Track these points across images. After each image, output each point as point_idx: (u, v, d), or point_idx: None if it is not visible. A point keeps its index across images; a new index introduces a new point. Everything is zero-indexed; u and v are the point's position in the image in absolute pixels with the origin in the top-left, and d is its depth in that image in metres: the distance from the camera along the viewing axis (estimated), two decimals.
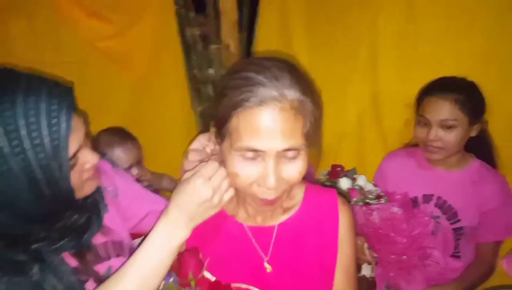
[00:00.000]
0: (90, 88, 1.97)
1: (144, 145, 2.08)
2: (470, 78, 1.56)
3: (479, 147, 1.60)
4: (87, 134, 0.93)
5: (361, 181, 1.67)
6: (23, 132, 0.77)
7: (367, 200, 1.55)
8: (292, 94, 0.81)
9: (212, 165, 0.88)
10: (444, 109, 1.48)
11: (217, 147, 0.92)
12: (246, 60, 0.88)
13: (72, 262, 0.94)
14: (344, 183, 1.65)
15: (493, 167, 1.63)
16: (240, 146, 0.82)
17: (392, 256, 1.41)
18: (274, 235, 1.00)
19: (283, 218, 1.01)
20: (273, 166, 0.82)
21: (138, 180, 1.84)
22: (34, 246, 0.86)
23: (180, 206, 0.87)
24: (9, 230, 0.85)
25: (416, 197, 1.61)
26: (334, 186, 1.64)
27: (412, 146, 1.76)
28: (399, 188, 1.57)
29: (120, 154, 1.76)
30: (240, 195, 0.96)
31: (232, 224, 1.01)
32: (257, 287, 0.95)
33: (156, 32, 2.05)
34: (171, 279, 0.88)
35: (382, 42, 1.91)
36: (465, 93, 1.48)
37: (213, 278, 0.93)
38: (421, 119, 1.56)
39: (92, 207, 1.02)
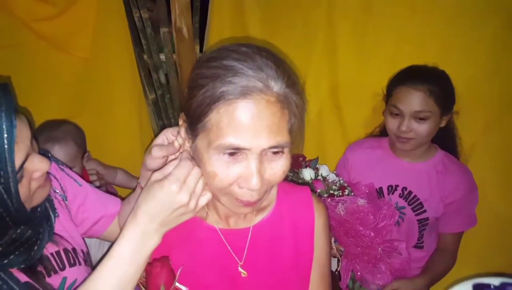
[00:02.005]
0: (28, 76, 1.80)
1: (92, 137, 1.93)
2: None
3: (444, 138, 1.60)
4: (33, 137, 0.81)
5: (324, 171, 1.64)
6: None
7: (331, 191, 1.53)
8: (278, 85, 0.73)
9: (186, 165, 0.78)
10: (417, 101, 1.45)
11: (188, 143, 0.82)
12: (223, 46, 0.78)
13: (22, 277, 0.84)
14: (307, 174, 1.61)
15: (456, 158, 1.64)
16: (221, 144, 0.73)
17: (358, 249, 1.41)
18: (248, 238, 0.93)
19: (257, 219, 0.95)
20: (256, 165, 0.74)
21: (90, 175, 1.70)
22: None
23: (150, 213, 0.77)
24: None
25: (381, 188, 1.60)
26: (296, 176, 1.60)
27: (376, 136, 1.76)
28: (363, 179, 1.56)
29: (60, 153, 1.59)
30: (215, 198, 0.86)
31: (204, 228, 0.93)
32: None
33: (99, 12, 1.88)
34: None
35: (340, 31, 1.88)
36: (438, 84, 1.46)
37: (185, 289, 0.85)
38: (393, 110, 1.52)
39: (42, 215, 0.92)
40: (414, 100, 1.45)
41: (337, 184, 1.56)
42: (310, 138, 2.03)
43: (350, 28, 1.86)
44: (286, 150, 0.78)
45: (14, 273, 0.83)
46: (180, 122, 0.84)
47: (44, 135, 1.61)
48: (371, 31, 1.82)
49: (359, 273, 1.43)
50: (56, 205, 1.00)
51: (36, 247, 0.87)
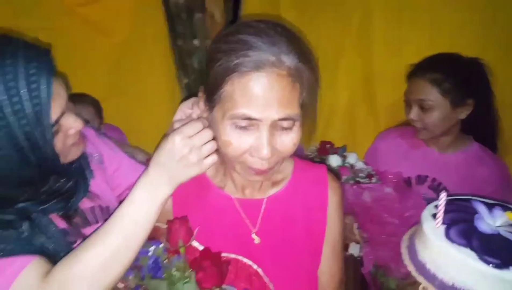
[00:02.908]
0: (69, 56, 1.87)
1: (125, 119, 2.00)
2: (469, 54, 1.49)
3: (479, 130, 1.54)
4: (69, 99, 0.90)
5: (352, 159, 1.63)
6: (3, 97, 0.76)
7: (358, 179, 1.51)
8: (290, 60, 0.76)
9: (195, 124, 0.82)
10: (420, 89, 1.45)
11: (206, 114, 0.86)
12: (241, 22, 0.83)
13: (61, 224, 0.94)
14: (334, 160, 1.60)
15: (493, 151, 1.56)
16: (234, 114, 0.77)
17: (383, 237, 1.39)
18: (262, 208, 0.97)
19: (272, 191, 0.99)
20: (267, 136, 0.78)
21: None
22: (20, 205, 0.87)
23: (159, 164, 0.83)
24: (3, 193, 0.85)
25: (409, 178, 1.56)
26: (323, 163, 1.59)
27: (406, 125, 1.72)
28: (391, 167, 1.53)
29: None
30: (229, 166, 0.91)
31: (220, 196, 0.98)
32: (245, 258, 0.93)
33: None
34: (161, 245, 0.84)
35: (377, 16, 1.85)
36: (447, 74, 1.42)
37: (201, 247, 0.90)
38: (405, 99, 1.54)
39: (78, 172, 1.02)
40: (417, 89, 1.47)
41: (365, 172, 1.55)
42: (341, 126, 2.02)
43: (385, 15, 1.83)
44: (297, 123, 0.81)
45: (54, 219, 0.93)
46: (200, 94, 0.88)
47: None
48: (406, 19, 1.78)
49: (383, 260, 1.41)
50: (93, 167, 1.08)
51: (73, 199, 0.97)
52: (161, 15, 2.01)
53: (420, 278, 0.72)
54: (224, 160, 0.90)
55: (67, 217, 0.96)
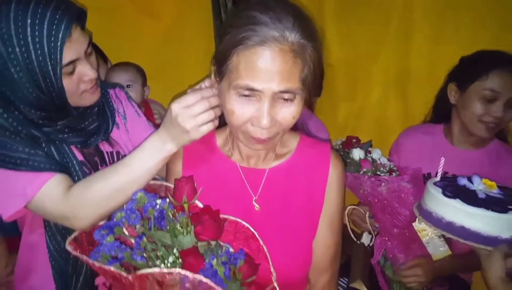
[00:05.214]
0: (115, 36, 2.01)
1: (166, 98, 2.10)
2: None
3: None
4: (91, 53, 1.04)
5: (376, 154, 1.63)
6: (30, 30, 0.91)
7: (378, 172, 1.52)
8: (293, 36, 0.81)
9: (193, 95, 0.90)
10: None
11: (216, 86, 0.93)
12: (253, 0, 0.87)
13: (80, 156, 1.09)
14: (357, 154, 1.62)
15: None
16: (238, 84, 0.83)
17: (394, 229, 1.39)
18: (264, 177, 1.03)
19: (275, 163, 1.04)
20: (268, 107, 0.83)
21: (154, 114, 1.93)
22: (45, 129, 1.03)
23: (165, 125, 0.95)
24: (26, 111, 1.00)
25: (429, 174, 1.56)
26: (346, 155, 1.62)
27: (430, 122, 1.70)
28: (412, 163, 1.52)
29: (121, 72, 1.85)
30: (234, 136, 0.98)
31: (227, 163, 1.05)
32: (244, 221, 0.97)
33: None
34: (167, 200, 0.90)
35: (418, 15, 1.84)
36: None
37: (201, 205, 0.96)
38: (486, 94, 1.42)
39: (100, 117, 1.17)
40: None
41: (387, 168, 1.55)
42: (370, 121, 2.02)
43: (427, 15, 1.81)
44: (297, 97, 0.85)
45: (74, 150, 1.08)
46: (212, 67, 0.94)
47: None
48: (449, 18, 1.75)
49: (392, 251, 1.41)
50: (118, 120, 1.24)
51: (92, 139, 1.12)
52: (208, 3, 2.11)
53: (427, 223, 1.06)
54: (232, 131, 0.96)
55: (86, 152, 1.12)
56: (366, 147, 1.69)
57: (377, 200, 1.39)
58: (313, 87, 0.88)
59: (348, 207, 1.55)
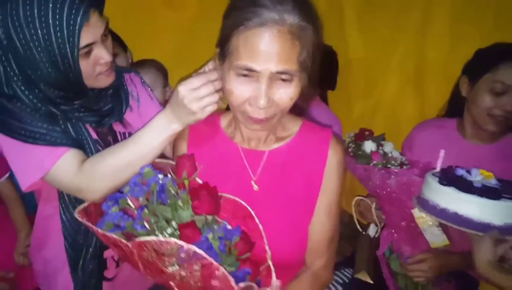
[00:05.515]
0: (138, 25, 2.07)
1: None
2: None
3: None
4: (107, 37, 1.09)
5: (388, 147, 1.63)
6: (50, 13, 0.96)
7: (389, 165, 1.52)
8: (292, 18, 0.83)
9: (199, 78, 0.93)
10: None
11: (219, 68, 0.96)
12: None
13: (94, 135, 1.15)
14: (368, 146, 1.62)
15: None
16: (237, 64, 0.86)
17: (403, 223, 1.39)
18: (264, 159, 1.06)
19: (275, 146, 1.07)
20: (265, 87, 0.86)
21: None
22: (63, 107, 1.08)
23: (171, 106, 1.00)
24: (46, 90, 1.06)
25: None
26: (357, 147, 1.62)
27: (443, 117, 1.69)
28: (424, 157, 1.51)
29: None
30: (234, 117, 1.01)
31: (229, 144, 1.08)
32: (242, 201, 1.01)
33: None
34: (169, 177, 0.95)
35: (438, 12, 1.82)
36: None
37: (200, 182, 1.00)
38: (496, 86, 1.39)
39: (115, 99, 1.22)
40: None
41: (398, 161, 1.54)
42: (386, 117, 2.01)
43: (446, 13, 1.79)
44: (295, 78, 0.88)
45: (89, 129, 1.14)
46: (216, 50, 0.98)
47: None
48: (469, 16, 1.73)
49: (399, 244, 1.41)
50: (132, 103, 1.28)
51: (106, 119, 1.18)
52: None
53: (423, 211, 1.14)
54: (232, 111, 1.00)
55: (102, 133, 1.18)
56: (379, 140, 1.69)
57: (386, 192, 1.39)
58: (312, 70, 0.90)
59: (356, 198, 1.56)
